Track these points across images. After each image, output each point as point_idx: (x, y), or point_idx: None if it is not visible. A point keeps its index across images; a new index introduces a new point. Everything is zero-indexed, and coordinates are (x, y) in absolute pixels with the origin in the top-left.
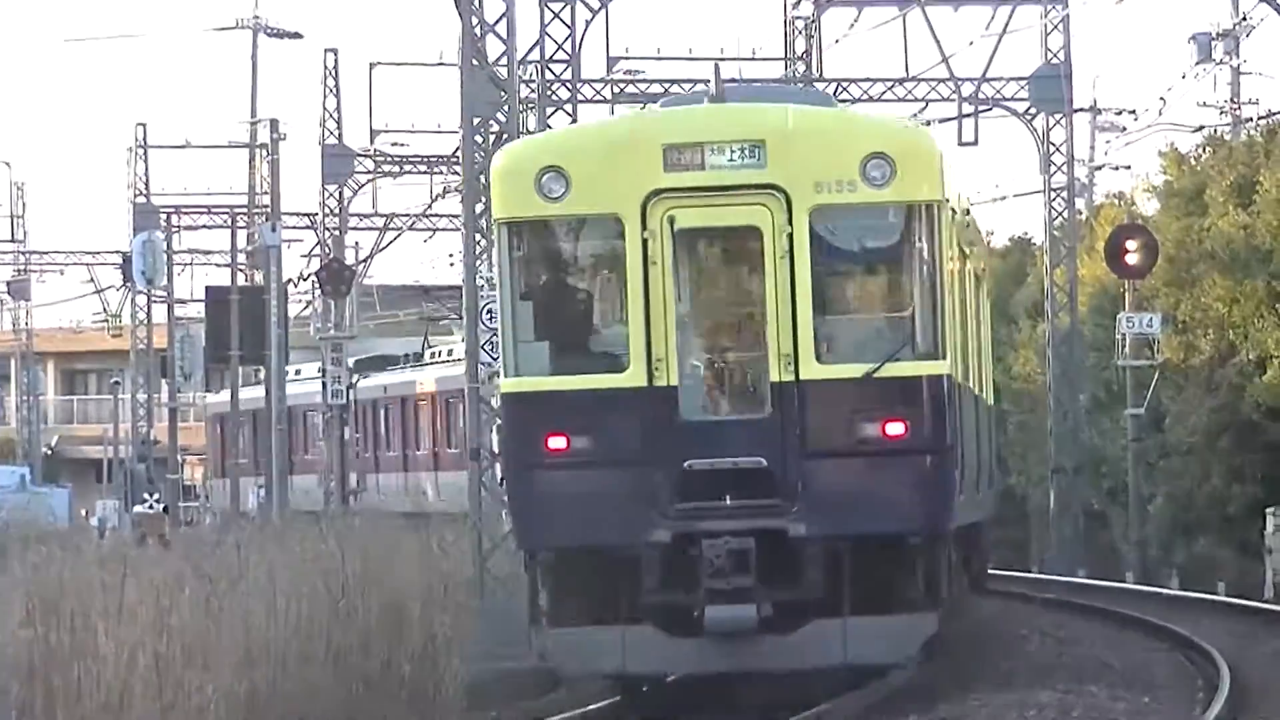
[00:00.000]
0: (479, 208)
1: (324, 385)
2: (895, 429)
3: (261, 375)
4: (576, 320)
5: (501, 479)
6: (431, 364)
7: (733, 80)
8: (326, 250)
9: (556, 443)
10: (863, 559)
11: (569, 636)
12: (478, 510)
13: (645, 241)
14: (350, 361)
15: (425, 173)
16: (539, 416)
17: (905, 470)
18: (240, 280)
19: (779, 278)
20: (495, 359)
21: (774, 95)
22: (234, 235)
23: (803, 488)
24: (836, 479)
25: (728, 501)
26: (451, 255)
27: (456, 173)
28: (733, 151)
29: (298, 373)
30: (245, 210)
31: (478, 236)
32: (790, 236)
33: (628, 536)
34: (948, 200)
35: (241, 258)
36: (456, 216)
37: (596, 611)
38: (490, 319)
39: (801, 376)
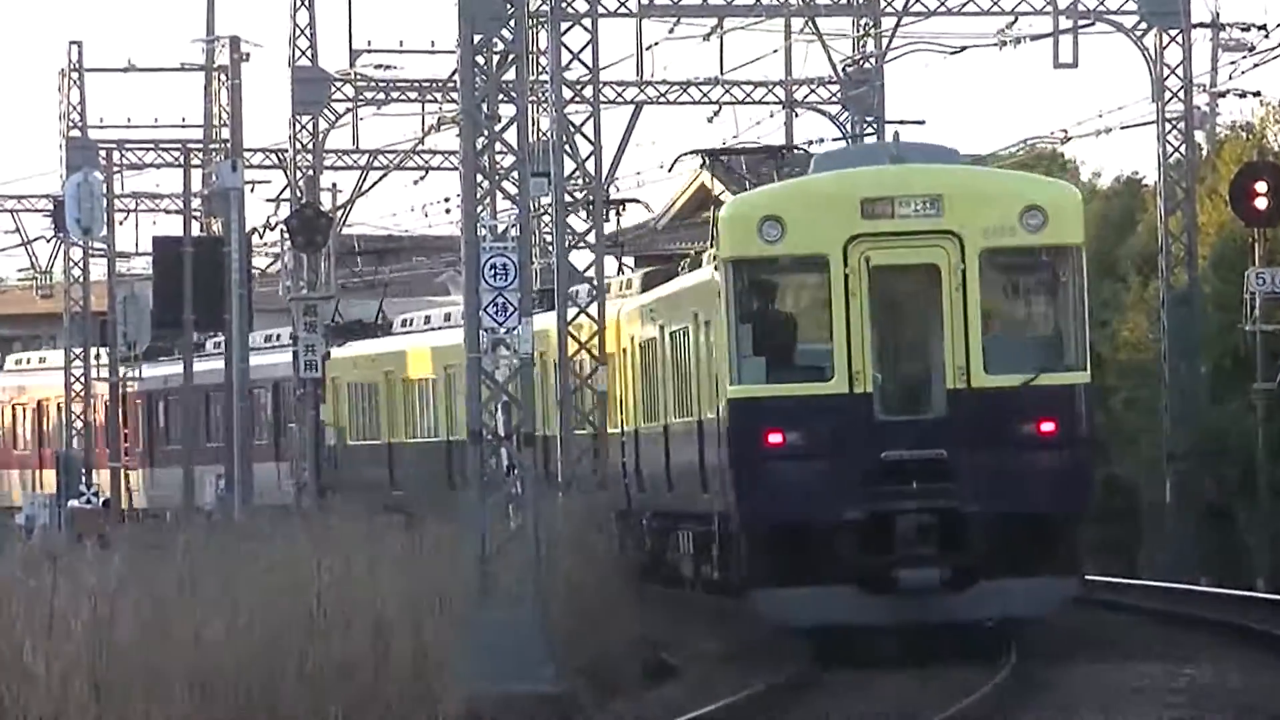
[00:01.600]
0: (480, 142)
1: (295, 355)
2: (1047, 427)
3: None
4: (787, 339)
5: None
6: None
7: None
8: (298, 194)
9: (775, 438)
10: (1020, 531)
11: (781, 595)
12: (482, 507)
13: (847, 277)
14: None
15: (416, 100)
16: (760, 417)
17: (1054, 460)
18: (194, 230)
19: (954, 305)
20: (500, 324)
21: (939, 155)
22: (187, 176)
23: (973, 474)
24: (1000, 467)
25: (914, 486)
26: (447, 200)
27: (453, 100)
28: (917, 204)
29: (269, 340)
30: (200, 146)
31: (479, 178)
32: (963, 272)
33: (833, 513)
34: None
35: (196, 203)
36: (453, 153)
37: (803, 575)
38: (495, 276)
39: (972, 385)
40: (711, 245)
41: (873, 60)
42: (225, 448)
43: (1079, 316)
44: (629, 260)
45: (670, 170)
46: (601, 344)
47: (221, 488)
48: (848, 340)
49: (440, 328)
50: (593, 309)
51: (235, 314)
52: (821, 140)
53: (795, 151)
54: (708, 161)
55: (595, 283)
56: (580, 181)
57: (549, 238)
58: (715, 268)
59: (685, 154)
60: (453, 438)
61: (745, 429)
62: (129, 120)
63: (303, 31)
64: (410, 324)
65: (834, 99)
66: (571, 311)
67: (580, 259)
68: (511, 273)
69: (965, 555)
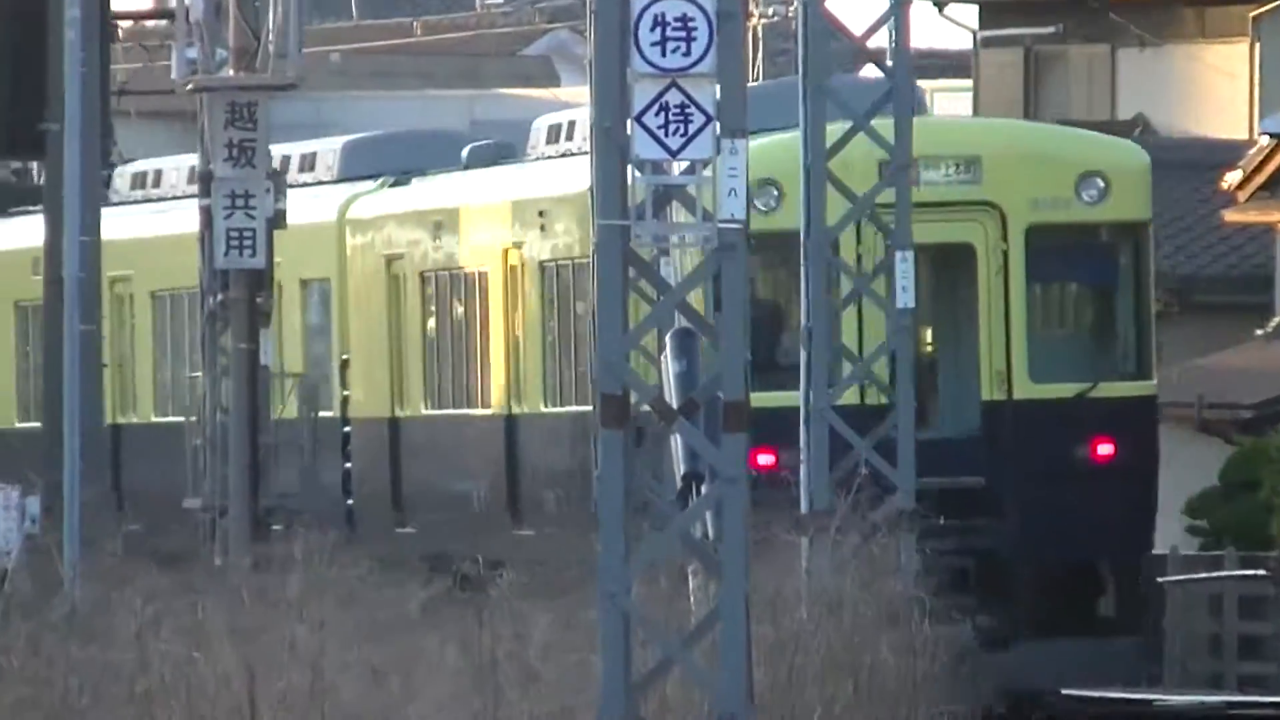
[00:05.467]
0: None
1: (207, 222)
2: (1105, 450)
3: None
4: (777, 335)
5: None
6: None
7: None
8: None
9: (763, 459)
10: (1069, 580)
11: None
12: (623, 567)
13: (860, 258)
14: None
15: None
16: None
17: (1111, 493)
18: None
19: (992, 295)
20: (675, 152)
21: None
22: None
23: (1017, 509)
24: (1048, 501)
25: (942, 522)
26: None
27: None
28: (949, 167)
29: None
30: None
31: None
32: (1005, 254)
33: None
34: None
35: None
36: None
37: None
38: (664, 41)
39: (1014, 395)
40: None
41: None
42: (45, 428)
43: (1146, 311)
44: None
45: None
46: None
47: (32, 515)
48: (860, 337)
49: (548, 157)
50: None
51: (75, 119)
52: None
53: None
54: None
55: None
56: None
57: None
58: None
59: None
60: (519, 408)
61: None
62: None
63: None
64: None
65: None
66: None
67: None
68: (703, 31)
69: (1005, 608)
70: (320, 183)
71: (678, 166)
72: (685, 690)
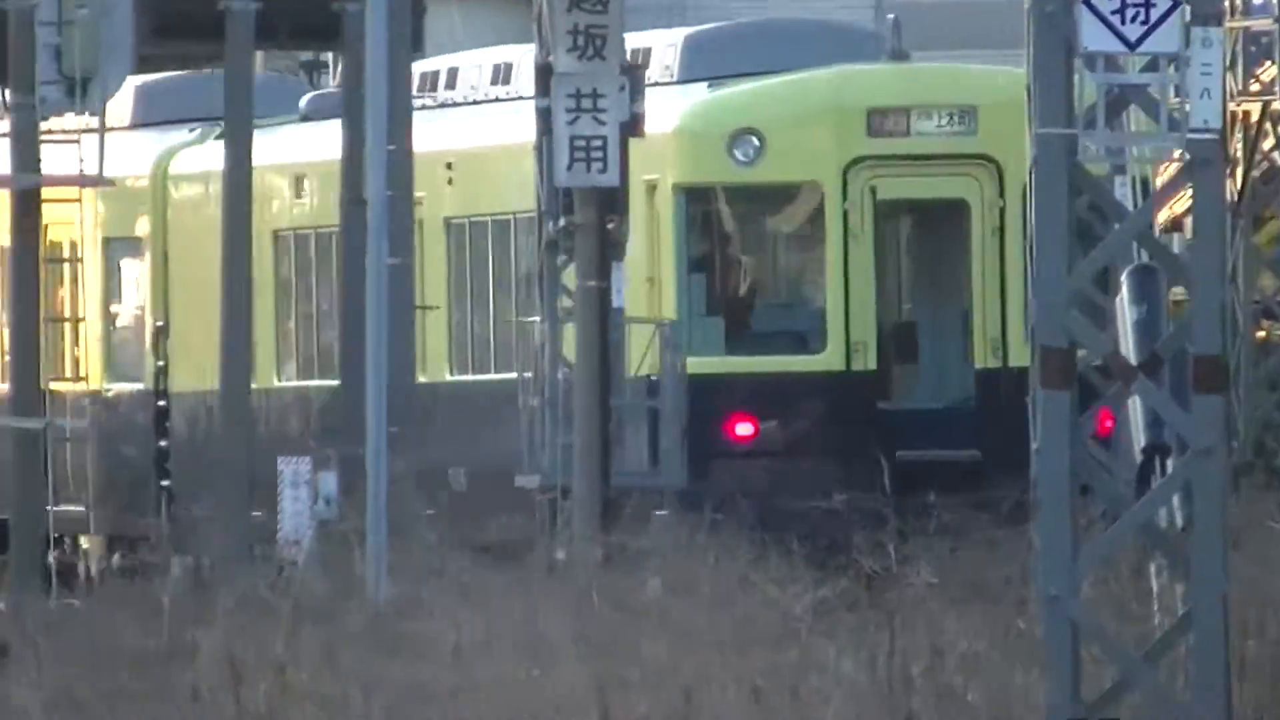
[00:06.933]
0: None
1: (545, 128)
2: (1108, 423)
3: None
4: (758, 296)
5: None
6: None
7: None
8: None
9: (743, 429)
10: None
11: None
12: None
13: (846, 213)
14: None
15: None
16: (719, 399)
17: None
18: None
19: (988, 255)
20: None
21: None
22: None
23: (1012, 485)
24: None
25: (933, 498)
26: None
27: None
28: (943, 117)
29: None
30: None
31: None
32: (1002, 211)
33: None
34: None
35: None
36: None
37: None
38: None
39: (1010, 363)
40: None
41: None
42: (344, 386)
43: None
44: None
45: None
46: None
47: (326, 495)
48: (845, 299)
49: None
50: None
51: (378, 2)
52: None
53: None
54: None
55: None
56: None
57: None
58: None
59: None
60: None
61: (698, 415)
62: None
63: None
64: None
65: None
66: None
67: None
68: None
69: None
70: None
71: (1135, 62)
72: (1146, 715)
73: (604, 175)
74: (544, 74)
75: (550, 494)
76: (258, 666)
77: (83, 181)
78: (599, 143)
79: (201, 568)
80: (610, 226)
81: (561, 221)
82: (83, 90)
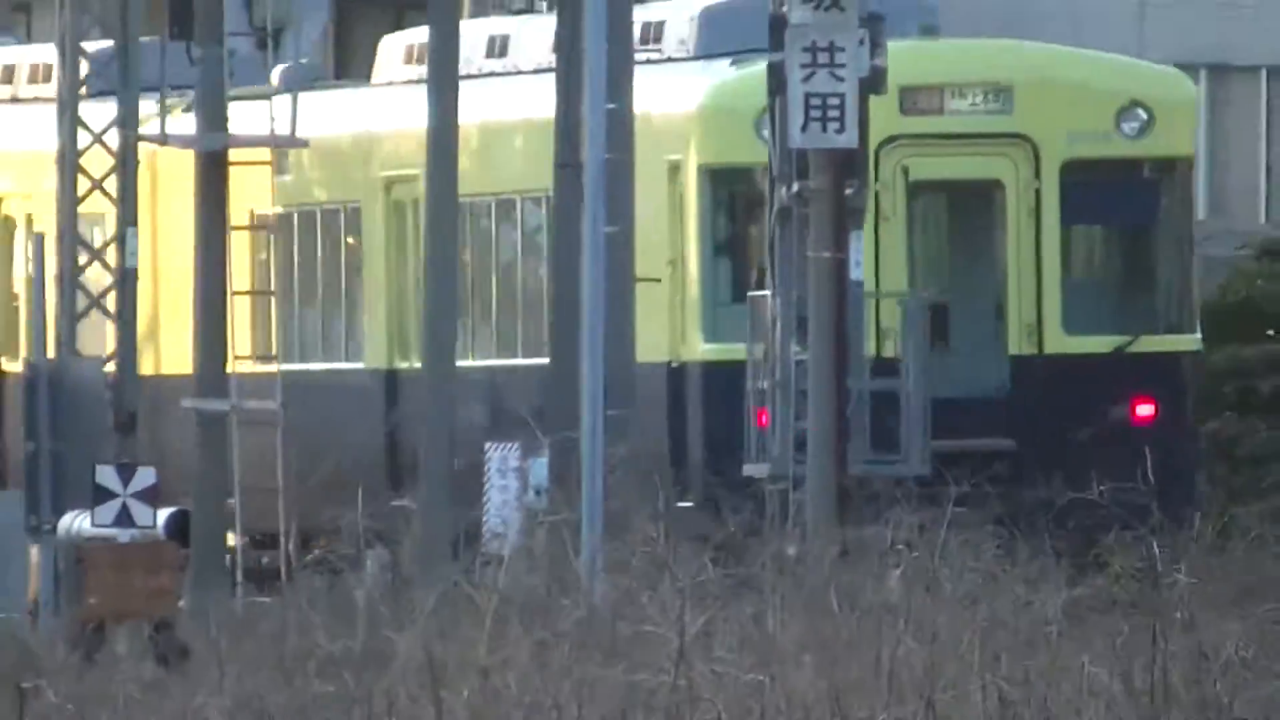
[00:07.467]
0: None
1: (779, 85)
2: (1144, 410)
3: None
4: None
5: None
6: None
7: None
8: None
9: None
10: None
11: None
12: None
13: (877, 195)
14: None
15: None
16: (744, 390)
17: (1150, 457)
18: None
19: (1023, 238)
20: None
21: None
22: None
23: (1048, 474)
24: (1079, 464)
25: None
26: None
27: None
28: (977, 95)
29: None
30: None
31: None
32: (1038, 192)
33: None
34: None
35: None
36: None
37: None
38: None
39: (1045, 349)
40: None
41: None
42: (554, 365)
43: (1188, 256)
44: None
45: None
46: None
47: (537, 483)
48: (876, 283)
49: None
50: None
51: None
52: None
53: None
54: None
55: None
56: None
57: None
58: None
59: None
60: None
61: (722, 407)
62: None
63: None
64: None
65: None
66: None
67: None
68: None
69: None
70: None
71: None
72: None
73: (841, 136)
74: (777, 26)
75: (781, 484)
76: (460, 670)
77: (275, 142)
78: (836, 101)
79: (400, 562)
80: (849, 192)
81: (794, 186)
82: (275, 43)
